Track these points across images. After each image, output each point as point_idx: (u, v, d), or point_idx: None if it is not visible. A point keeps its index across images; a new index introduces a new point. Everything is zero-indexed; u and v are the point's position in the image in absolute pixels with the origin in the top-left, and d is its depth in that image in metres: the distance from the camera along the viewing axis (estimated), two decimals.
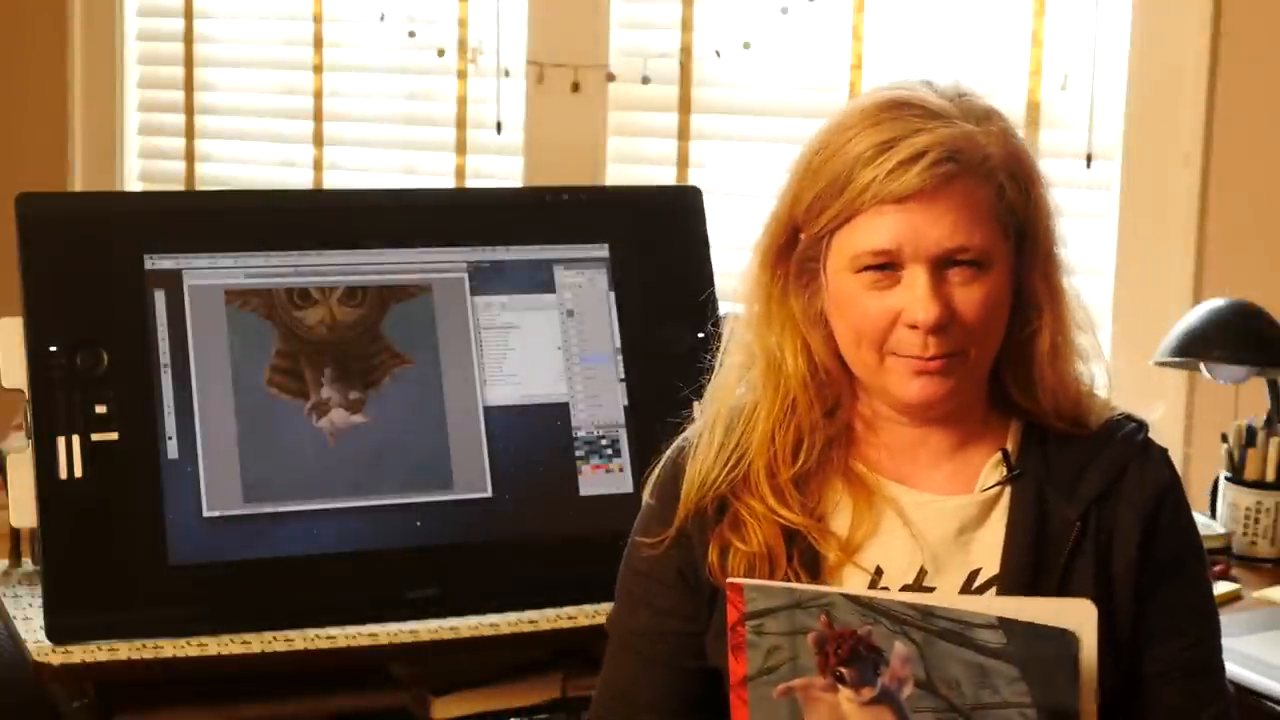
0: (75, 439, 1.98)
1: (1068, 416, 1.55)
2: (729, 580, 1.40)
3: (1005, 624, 1.34)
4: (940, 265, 1.45)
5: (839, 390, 1.55)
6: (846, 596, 1.36)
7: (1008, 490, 1.53)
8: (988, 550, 1.52)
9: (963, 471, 1.55)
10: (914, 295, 1.45)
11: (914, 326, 1.45)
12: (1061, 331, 1.54)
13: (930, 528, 1.52)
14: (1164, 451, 1.57)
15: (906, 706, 1.34)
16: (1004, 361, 1.54)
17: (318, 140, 3.77)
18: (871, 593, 1.43)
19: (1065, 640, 1.34)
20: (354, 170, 3.76)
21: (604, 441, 2.18)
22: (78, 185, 3.94)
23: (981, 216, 1.46)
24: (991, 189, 1.47)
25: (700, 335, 2.22)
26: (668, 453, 1.62)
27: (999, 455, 1.54)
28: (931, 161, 1.43)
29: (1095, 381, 1.58)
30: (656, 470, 1.62)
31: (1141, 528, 1.51)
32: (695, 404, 1.66)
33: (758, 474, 1.53)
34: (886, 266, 1.46)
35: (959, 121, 1.46)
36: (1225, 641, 1.60)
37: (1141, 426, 1.57)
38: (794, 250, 1.52)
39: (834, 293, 1.50)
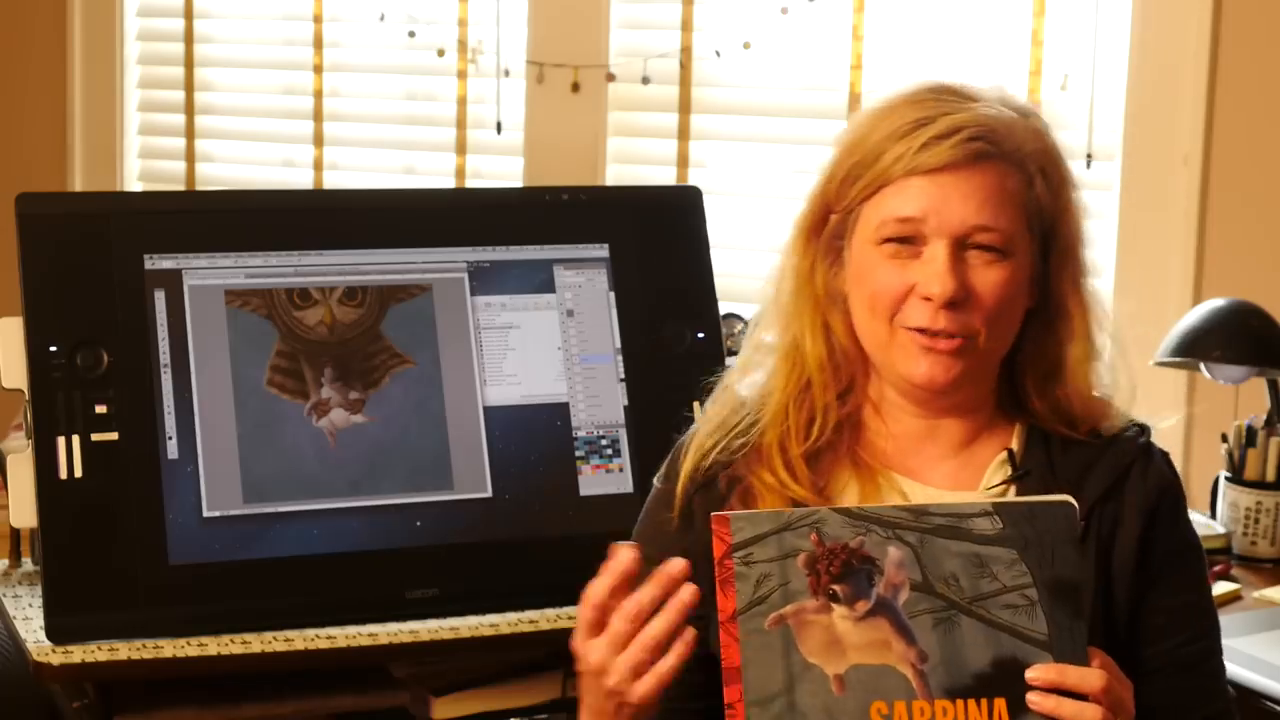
0: (75, 439, 1.98)
1: (1084, 424, 1.55)
2: (714, 514, 1.37)
3: (1000, 508, 1.34)
4: (962, 245, 1.47)
5: (853, 372, 1.56)
6: (836, 510, 1.35)
7: (1013, 489, 1.53)
8: None
9: (967, 468, 1.56)
10: (932, 270, 1.46)
11: (928, 299, 1.46)
12: (1090, 338, 1.55)
13: None
14: (1165, 454, 1.58)
15: (903, 613, 1.33)
16: (1028, 366, 1.55)
17: (318, 140, 3.77)
18: (861, 505, 1.42)
19: (1065, 511, 1.34)
20: (354, 170, 3.76)
21: (604, 441, 2.18)
22: (78, 185, 3.94)
23: (1009, 202, 1.48)
24: (1022, 179, 1.49)
25: (700, 335, 2.22)
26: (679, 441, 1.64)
27: (1004, 455, 1.55)
28: (965, 137, 1.46)
29: (1114, 382, 1.59)
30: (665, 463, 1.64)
31: (1141, 524, 1.52)
32: (696, 404, 1.66)
33: (770, 446, 1.54)
34: (909, 240, 1.48)
35: (999, 106, 1.50)
36: (1226, 641, 1.60)
37: (1144, 430, 1.58)
38: (824, 229, 1.55)
39: (855, 264, 1.52)
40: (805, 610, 1.33)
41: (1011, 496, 1.53)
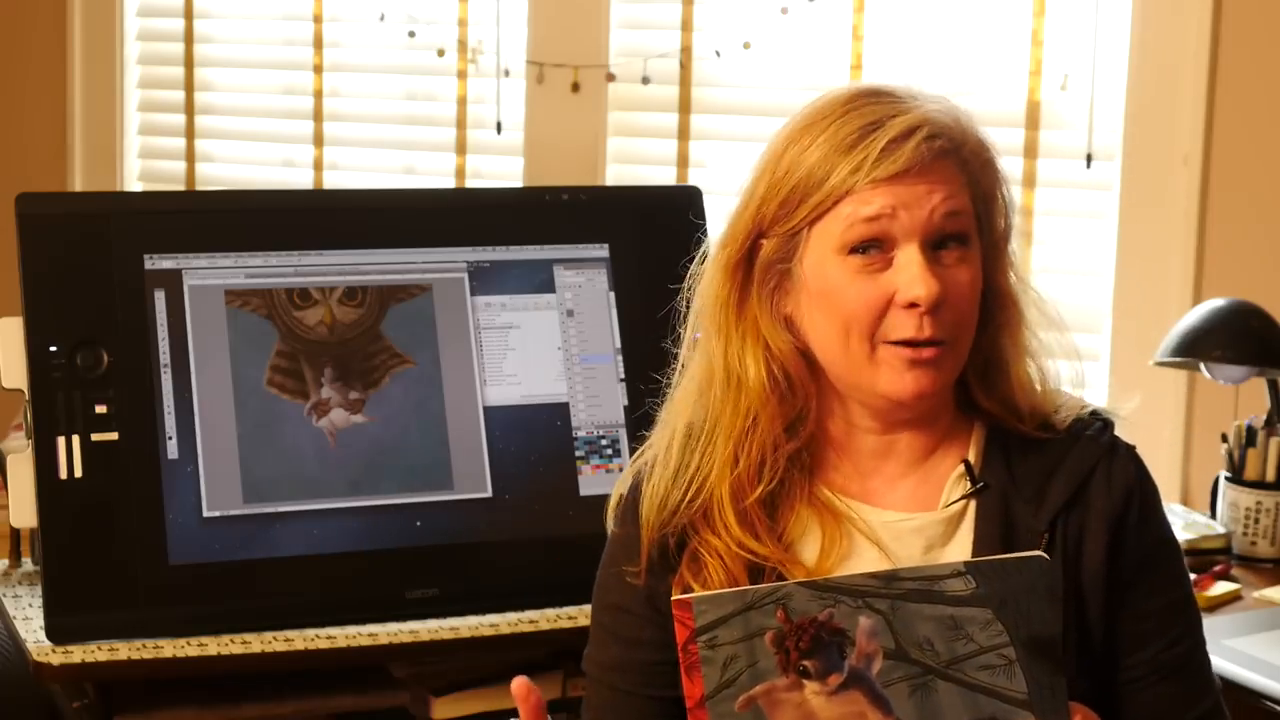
0: (75, 439, 1.98)
1: (1035, 415, 1.51)
2: (674, 598, 1.31)
3: (972, 567, 1.31)
4: (932, 244, 1.43)
5: (801, 402, 1.50)
6: (802, 584, 1.30)
7: (973, 504, 1.49)
8: None
9: (926, 484, 1.51)
10: (911, 274, 1.42)
11: (912, 305, 1.42)
12: (1026, 327, 1.52)
13: (899, 547, 1.48)
14: (1131, 449, 1.52)
15: (878, 682, 1.29)
16: (969, 362, 1.50)
17: (318, 140, 3.77)
18: (827, 577, 1.37)
19: (1038, 565, 1.31)
20: (354, 170, 3.76)
21: (604, 441, 2.18)
22: (78, 185, 3.94)
23: (964, 193, 1.45)
24: (969, 172, 1.46)
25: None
26: (628, 478, 1.57)
27: (961, 468, 1.50)
28: (925, 136, 1.42)
29: (1065, 378, 1.55)
30: (616, 498, 1.57)
31: (1109, 532, 1.47)
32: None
33: (721, 502, 1.48)
34: (876, 247, 1.43)
35: (938, 101, 1.46)
36: (1226, 641, 1.59)
37: (1107, 425, 1.53)
38: (756, 257, 1.49)
39: (816, 285, 1.45)
40: (776, 689, 1.28)
41: (971, 512, 1.49)
